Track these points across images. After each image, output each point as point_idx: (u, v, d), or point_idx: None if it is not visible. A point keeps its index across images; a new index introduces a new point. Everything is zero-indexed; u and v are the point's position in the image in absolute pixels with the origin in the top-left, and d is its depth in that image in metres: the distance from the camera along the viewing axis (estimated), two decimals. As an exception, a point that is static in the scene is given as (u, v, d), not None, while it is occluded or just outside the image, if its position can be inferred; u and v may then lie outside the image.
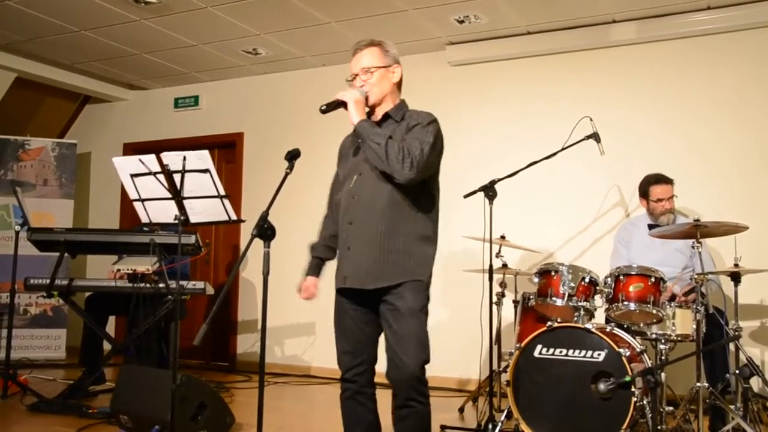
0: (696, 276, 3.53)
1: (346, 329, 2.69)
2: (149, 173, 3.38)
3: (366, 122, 2.64)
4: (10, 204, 6.45)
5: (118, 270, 4.73)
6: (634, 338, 3.66)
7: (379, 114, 2.77)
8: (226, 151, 6.87)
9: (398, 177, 2.57)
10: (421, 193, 2.73)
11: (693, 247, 3.51)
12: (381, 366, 2.66)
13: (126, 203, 6.70)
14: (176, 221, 3.40)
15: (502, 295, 4.41)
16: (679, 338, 3.68)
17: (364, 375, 2.66)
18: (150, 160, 3.36)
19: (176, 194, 3.37)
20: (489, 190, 3.65)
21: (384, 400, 2.70)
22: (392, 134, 2.63)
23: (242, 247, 6.66)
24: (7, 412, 4.39)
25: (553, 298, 3.70)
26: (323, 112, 2.66)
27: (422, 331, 2.60)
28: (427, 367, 2.59)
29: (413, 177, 2.57)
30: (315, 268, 2.90)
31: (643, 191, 4.41)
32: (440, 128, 2.76)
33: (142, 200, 3.53)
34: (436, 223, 2.83)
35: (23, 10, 5.18)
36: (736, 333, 3.58)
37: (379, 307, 2.64)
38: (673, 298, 3.95)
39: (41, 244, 4.54)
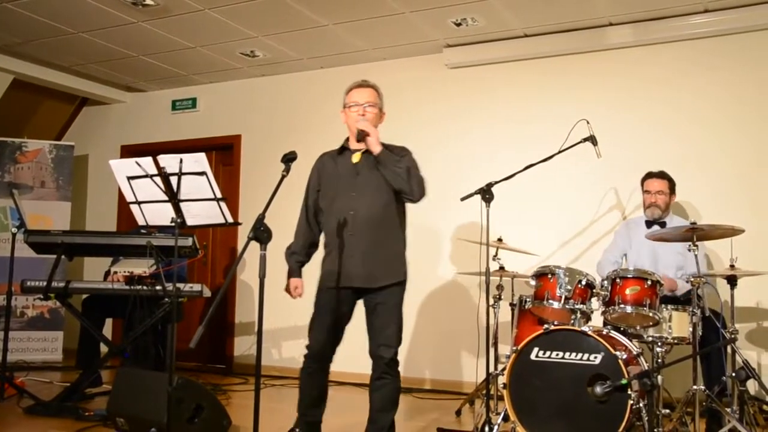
0: (692, 279, 3.53)
1: (326, 321, 3.25)
2: (146, 176, 3.37)
3: (386, 151, 3.19)
4: (7, 206, 6.45)
5: (115, 272, 4.72)
6: (631, 341, 3.66)
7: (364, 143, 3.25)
8: (224, 153, 6.87)
9: (415, 196, 3.19)
10: (402, 210, 3.35)
11: (689, 250, 3.51)
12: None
13: (123, 206, 6.71)
14: (173, 224, 3.40)
15: (498, 297, 4.41)
16: (676, 341, 3.68)
17: (326, 359, 3.30)
18: (147, 162, 3.35)
19: (173, 197, 3.36)
20: (486, 193, 3.65)
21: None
22: None
23: (239, 249, 6.66)
24: (4, 414, 4.38)
25: (550, 301, 3.70)
26: (359, 140, 3.20)
27: (401, 322, 3.25)
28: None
29: (423, 197, 3.21)
30: (299, 271, 3.41)
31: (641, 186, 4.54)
32: None
33: (139, 203, 3.52)
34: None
35: (20, 12, 5.18)
36: (732, 336, 3.59)
37: (363, 301, 3.26)
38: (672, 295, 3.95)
39: (38, 247, 4.54)
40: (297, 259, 3.40)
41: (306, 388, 3.36)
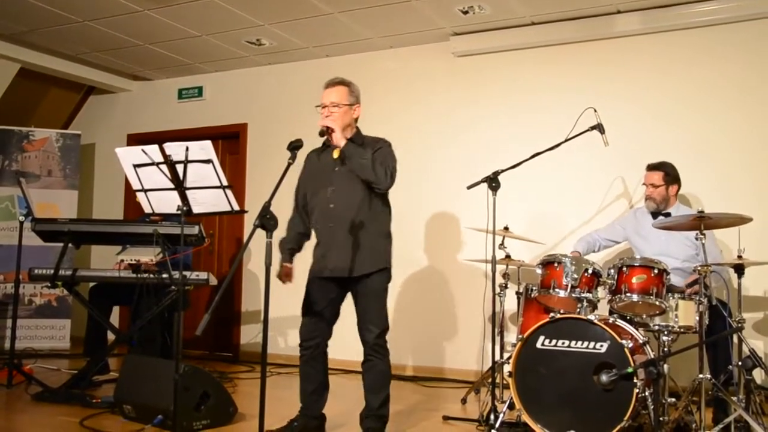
0: (699, 267, 3.51)
1: (313, 309, 3.47)
2: (152, 164, 3.37)
3: (352, 143, 3.31)
4: (15, 194, 6.48)
5: (122, 261, 4.74)
6: (637, 330, 3.66)
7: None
8: (230, 142, 6.88)
9: (381, 185, 3.31)
10: (382, 200, 3.47)
11: (697, 239, 3.49)
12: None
13: (130, 194, 6.67)
14: (179, 212, 3.40)
15: (505, 286, 4.40)
16: (682, 330, 3.67)
17: (318, 347, 3.50)
18: (153, 150, 3.35)
19: (179, 185, 3.36)
20: (492, 182, 3.65)
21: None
22: None
23: (245, 237, 6.67)
24: (12, 401, 4.41)
25: (556, 290, 3.70)
26: (321, 135, 3.33)
27: (384, 308, 3.45)
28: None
29: (391, 186, 3.34)
30: (291, 258, 3.62)
31: None
32: None
33: (145, 191, 3.52)
34: (390, 223, 3.55)
35: (27, 0, 5.18)
36: (739, 324, 3.57)
37: (347, 289, 3.46)
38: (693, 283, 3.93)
39: (45, 235, 4.56)
40: (288, 246, 3.61)
41: (302, 378, 3.55)
